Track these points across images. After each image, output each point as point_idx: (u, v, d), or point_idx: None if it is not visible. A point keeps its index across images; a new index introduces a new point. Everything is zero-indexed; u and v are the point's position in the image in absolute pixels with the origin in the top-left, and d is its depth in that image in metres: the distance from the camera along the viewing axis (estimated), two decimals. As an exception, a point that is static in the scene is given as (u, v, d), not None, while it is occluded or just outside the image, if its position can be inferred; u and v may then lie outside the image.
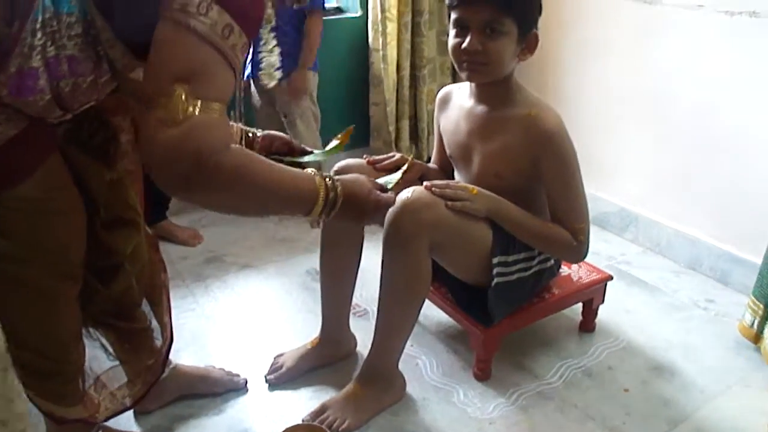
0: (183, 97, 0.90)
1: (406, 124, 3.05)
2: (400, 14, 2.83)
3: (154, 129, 0.91)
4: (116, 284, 1.34)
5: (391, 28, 2.83)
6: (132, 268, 1.36)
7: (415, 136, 3.13)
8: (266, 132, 1.51)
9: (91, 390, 1.40)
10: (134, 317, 1.43)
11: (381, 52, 2.85)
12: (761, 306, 1.85)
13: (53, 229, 1.14)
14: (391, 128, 2.97)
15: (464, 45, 1.48)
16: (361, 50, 2.95)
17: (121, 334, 1.43)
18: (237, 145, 1.03)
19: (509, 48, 1.49)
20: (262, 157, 1.08)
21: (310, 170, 1.17)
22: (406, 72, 2.96)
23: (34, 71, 0.95)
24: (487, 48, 1.47)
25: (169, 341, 1.50)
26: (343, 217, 1.19)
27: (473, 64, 1.50)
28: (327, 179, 1.15)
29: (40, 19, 0.93)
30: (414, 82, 3.02)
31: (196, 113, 0.91)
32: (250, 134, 1.48)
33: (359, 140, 3.04)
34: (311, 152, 1.54)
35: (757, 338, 1.88)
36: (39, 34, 0.93)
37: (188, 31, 0.90)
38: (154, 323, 1.48)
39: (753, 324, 1.88)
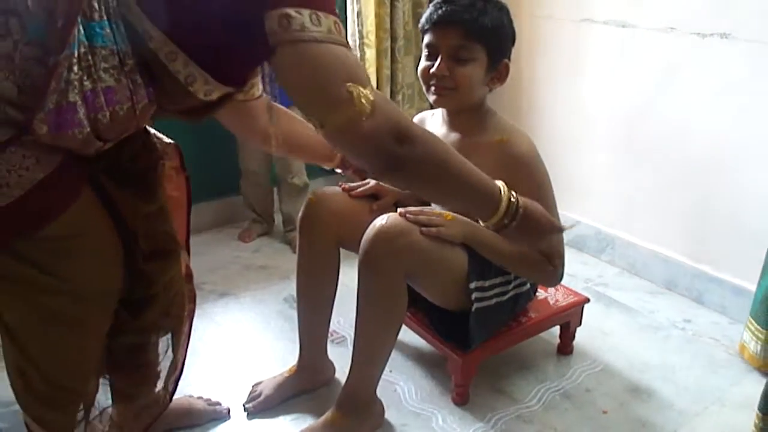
0: (358, 93, 0.98)
1: None
2: (379, 40, 2.81)
3: (352, 130, 1.00)
4: (146, 316, 1.29)
5: (370, 54, 2.80)
6: (165, 298, 1.32)
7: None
8: None
9: (96, 420, 1.37)
10: (147, 354, 1.40)
11: (359, 80, 2.82)
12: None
13: (86, 266, 1.11)
14: None
15: (432, 69, 1.51)
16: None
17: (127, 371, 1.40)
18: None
19: (477, 75, 1.51)
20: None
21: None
22: (387, 99, 2.95)
23: (72, 105, 0.93)
24: (455, 73, 1.49)
25: (178, 373, 1.48)
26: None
27: (440, 88, 1.53)
28: (508, 189, 1.23)
29: (76, 54, 0.92)
30: (391, 109, 3.01)
31: (376, 99, 1.00)
32: None
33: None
34: None
35: None
36: (75, 68, 0.92)
37: (319, 43, 0.97)
38: (162, 364, 1.45)
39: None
